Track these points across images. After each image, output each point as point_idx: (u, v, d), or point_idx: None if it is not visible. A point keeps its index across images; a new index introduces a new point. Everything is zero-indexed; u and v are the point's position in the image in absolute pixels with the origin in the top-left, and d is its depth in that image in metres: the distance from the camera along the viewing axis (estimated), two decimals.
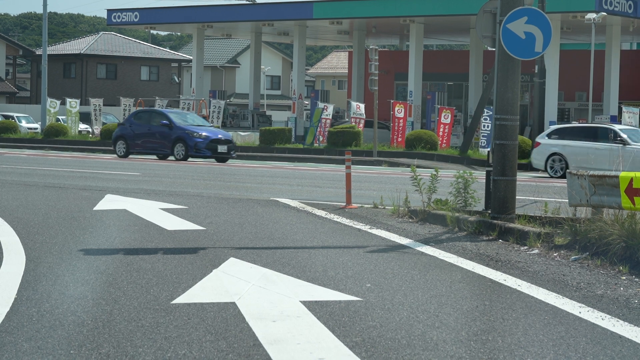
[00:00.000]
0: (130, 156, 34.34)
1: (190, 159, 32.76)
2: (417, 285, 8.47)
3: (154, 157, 34.22)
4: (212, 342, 6.26)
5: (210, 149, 32.62)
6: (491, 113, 34.48)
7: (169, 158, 33.55)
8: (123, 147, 34.42)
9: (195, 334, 6.48)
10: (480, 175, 14.73)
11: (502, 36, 12.12)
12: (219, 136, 33.27)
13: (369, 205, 15.13)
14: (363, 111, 41.03)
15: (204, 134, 32.86)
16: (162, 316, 6.98)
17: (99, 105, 50.21)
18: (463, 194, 13.29)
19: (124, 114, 49.56)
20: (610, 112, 38.91)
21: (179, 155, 32.62)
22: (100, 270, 8.91)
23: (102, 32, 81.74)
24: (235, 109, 51.00)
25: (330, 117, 42.06)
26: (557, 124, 32.83)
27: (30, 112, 60.38)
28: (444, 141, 38.87)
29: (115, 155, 34.91)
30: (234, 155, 33.92)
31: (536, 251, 10.59)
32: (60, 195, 16.62)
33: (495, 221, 11.97)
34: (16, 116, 56.39)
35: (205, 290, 7.96)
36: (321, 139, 40.97)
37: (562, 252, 10.32)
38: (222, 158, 33.16)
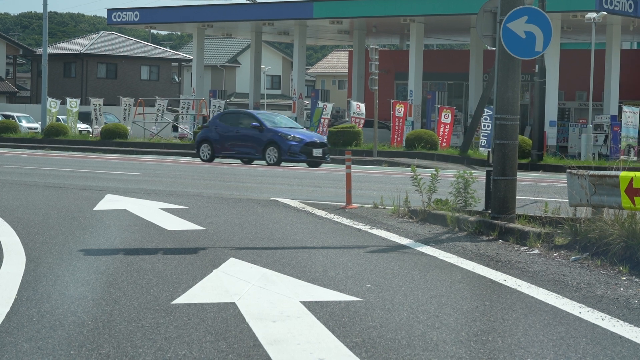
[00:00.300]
0: (215, 160, 32.12)
1: (282, 164, 30.77)
2: (417, 285, 8.47)
3: (238, 161, 32.38)
4: (212, 343, 6.26)
5: (305, 153, 30.55)
6: (491, 113, 34.47)
7: (254, 162, 31.63)
8: (208, 151, 32.26)
9: (195, 334, 6.48)
10: (480, 175, 14.73)
11: (503, 35, 12.12)
12: (315, 139, 31.21)
13: (369, 205, 15.13)
14: (363, 111, 41.03)
15: (298, 136, 30.85)
16: (162, 316, 6.98)
17: (99, 105, 50.22)
18: (463, 194, 13.29)
19: (124, 114, 49.61)
20: (610, 111, 38.90)
21: (271, 160, 30.59)
22: (100, 270, 8.91)
23: (102, 32, 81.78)
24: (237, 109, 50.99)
25: (329, 116, 42.03)
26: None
27: (30, 112, 60.39)
28: (444, 141, 38.87)
29: (198, 160, 32.43)
30: (328, 159, 31.50)
31: (536, 251, 10.59)
32: (61, 195, 16.62)
33: (495, 221, 11.97)
34: (16, 116, 56.40)
35: (205, 291, 7.97)
36: None
37: (562, 252, 10.32)
38: (315, 162, 30.89)
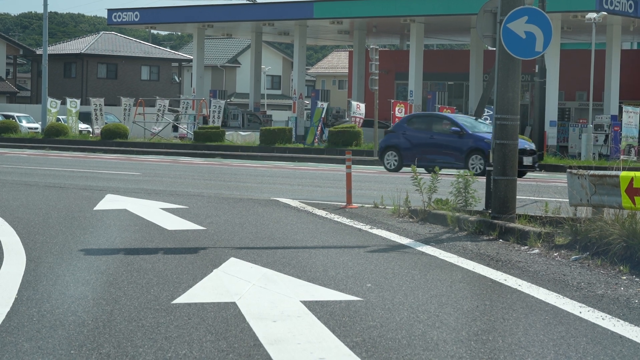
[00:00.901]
0: (402, 169, 28.15)
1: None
2: (417, 285, 8.47)
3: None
4: (213, 342, 6.26)
5: None
6: (492, 113, 34.44)
7: (442, 171, 27.94)
8: (394, 159, 28.62)
9: (195, 334, 6.48)
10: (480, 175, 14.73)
11: (503, 36, 12.12)
12: (525, 146, 27.14)
13: (370, 205, 15.13)
14: (363, 111, 41.03)
15: None
16: (162, 316, 6.98)
17: (100, 105, 50.22)
18: (463, 194, 13.30)
19: (125, 114, 49.58)
20: (610, 111, 38.89)
21: (475, 169, 26.02)
22: (100, 270, 8.91)
23: (102, 32, 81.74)
24: (234, 109, 51.03)
25: (323, 115, 41.96)
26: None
27: (30, 112, 60.37)
28: None
29: (383, 169, 29.07)
30: (537, 167, 27.96)
31: (537, 251, 10.59)
32: (61, 195, 16.63)
33: (495, 221, 11.96)
34: (17, 116, 56.38)
35: (206, 290, 7.96)
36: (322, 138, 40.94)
37: (562, 252, 10.32)
38: (523, 172, 26.35)
